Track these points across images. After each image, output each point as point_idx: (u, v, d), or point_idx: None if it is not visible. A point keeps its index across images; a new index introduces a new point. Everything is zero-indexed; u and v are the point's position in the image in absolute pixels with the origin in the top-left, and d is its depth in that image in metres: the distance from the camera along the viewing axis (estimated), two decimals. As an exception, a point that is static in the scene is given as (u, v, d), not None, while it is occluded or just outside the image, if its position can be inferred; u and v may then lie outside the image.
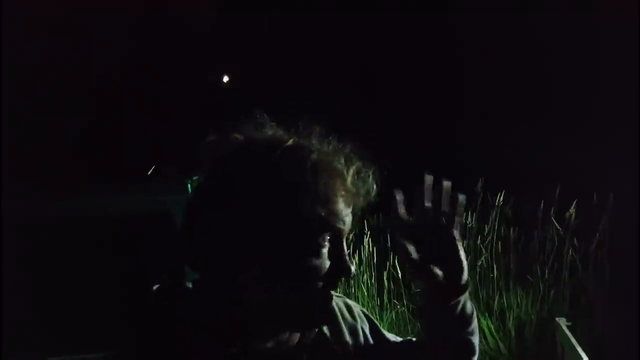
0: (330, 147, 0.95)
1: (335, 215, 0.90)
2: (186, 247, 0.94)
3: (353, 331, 1.07)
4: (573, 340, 3.16)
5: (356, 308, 1.11)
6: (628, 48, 6.36)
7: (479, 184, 4.83)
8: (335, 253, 0.92)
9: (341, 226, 0.92)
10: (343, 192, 0.92)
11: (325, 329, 1.02)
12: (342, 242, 0.93)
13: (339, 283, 0.95)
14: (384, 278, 4.57)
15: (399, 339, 1.13)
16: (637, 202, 4.75)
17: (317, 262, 0.90)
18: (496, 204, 4.70)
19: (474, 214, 4.73)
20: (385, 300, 4.59)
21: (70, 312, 2.22)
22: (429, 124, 7.98)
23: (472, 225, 4.69)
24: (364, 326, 1.09)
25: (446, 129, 7.74)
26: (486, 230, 4.69)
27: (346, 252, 0.93)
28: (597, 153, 5.92)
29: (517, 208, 4.88)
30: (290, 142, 0.93)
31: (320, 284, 0.91)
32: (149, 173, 4.67)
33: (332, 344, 1.02)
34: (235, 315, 0.92)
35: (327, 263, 0.91)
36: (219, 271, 0.91)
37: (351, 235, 4.69)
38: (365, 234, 4.68)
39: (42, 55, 7.49)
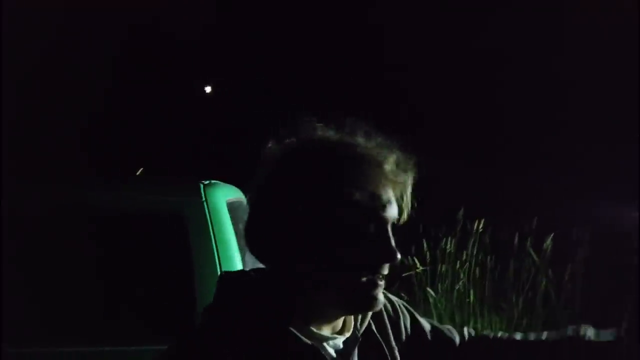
0: (374, 142, 1.06)
1: (377, 200, 1.01)
2: (254, 240, 1.06)
3: (395, 326, 1.17)
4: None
5: (397, 302, 1.21)
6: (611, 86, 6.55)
7: (460, 212, 4.97)
8: (381, 239, 1.01)
9: (383, 212, 1.01)
10: (383, 180, 1.02)
11: (372, 323, 1.12)
12: (387, 229, 1.02)
13: (386, 269, 1.03)
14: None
15: (440, 327, 1.24)
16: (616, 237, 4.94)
17: (364, 248, 1.00)
18: (474, 230, 4.84)
19: (454, 240, 4.87)
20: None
21: (68, 308, 2.27)
22: (412, 147, 8.09)
23: (451, 250, 4.83)
24: (405, 321, 1.19)
25: (429, 153, 7.85)
26: (464, 257, 4.82)
27: (392, 238, 1.02)
28: (578, 187, 6.10)
29: (495, 236, 5.03)
30: (338, 139, 1.05)
31: (369, 268, 1.00)
32: (137, 174, 4.77)
33: (377, 338, 1.12)
34: (293, 301, 1.02)
35: (375, 249, 1.01)
36: (281, 261, 1.02)
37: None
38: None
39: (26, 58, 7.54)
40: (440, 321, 4.63)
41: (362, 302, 1.02)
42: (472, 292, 4.70)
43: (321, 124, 1.07)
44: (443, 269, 4.82)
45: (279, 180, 1.03)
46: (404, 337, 1.17)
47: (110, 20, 8.23)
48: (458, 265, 4.80)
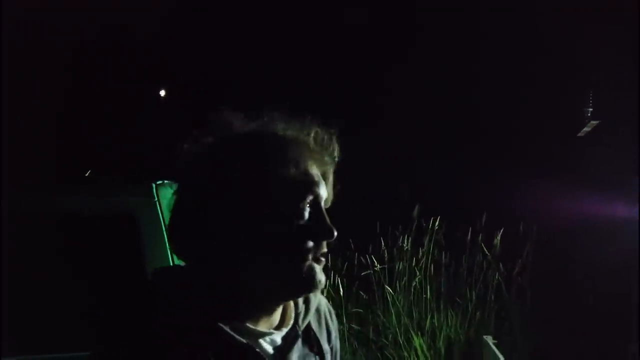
0: (294, 125, 1.06)
1: (309, 177, 1.01)
2: (183, 238, 1.03)
3: (327, 330, 1.18)
4: (501, 357, 3.46)
5: (330, 307, 1.22)
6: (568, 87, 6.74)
7: (415, 211, 5.11)
8: (317, 217, 1.02)
9: (317, 189, 1.02)
10: (311, 156, 1.03)
11: (313, 324, 1.12)
12: (321, 206, 1.03)
13: (325, 246, 1.03)
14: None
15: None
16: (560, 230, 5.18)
17: (300, 224, 0.99)
18: (429, 228, 4.98)
19: (410, 239, 5.01)
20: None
21: (29, 311, 2.26)
22: (367, 146, 8.14)
23: (407, 248, 4.96)
24: (332, 329, 1.20)
25: (385, 153, 7.91)
26: (420, 254, 4.96)
27: (327, 216, 1.02)
28: (524, 184, 6.32)
29: (449, 234, 5.19)
30: (256, 128, 1.05)
31: (307, 246, 1.00)
32: (86, 176, 4.72)
33: (316, 336, 1.12)
34: (230, 293, 1.00)
35: (312, 227, 1.01)
36: (215, 255, 1.00)
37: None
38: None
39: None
40: (399, 318, 4.76)
41: (305, 282, 1.00)
42: (428, 288, 4.85)
43: (237, 118, 1.06)
44: (400, 266, 4.95)
45: (204, 175, 1.00)
46: (330, 344, 1.16)
47: (68, 20, 8.04)
48: (414, 263, 4.93)
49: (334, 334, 1.19)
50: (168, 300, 0.99)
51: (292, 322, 1.08)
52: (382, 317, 4.86)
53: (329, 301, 4.10)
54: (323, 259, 1.03)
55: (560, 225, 5.32)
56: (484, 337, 3.89)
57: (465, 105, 7.85)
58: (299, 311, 1.09)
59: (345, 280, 4.94)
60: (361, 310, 5.00)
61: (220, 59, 9.09)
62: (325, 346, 1.14)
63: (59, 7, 7.83)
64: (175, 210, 1.04)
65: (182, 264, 1.07)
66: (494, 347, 3.65)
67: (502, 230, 4.92)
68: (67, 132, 8.30)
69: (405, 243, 4.96)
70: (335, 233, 1.02)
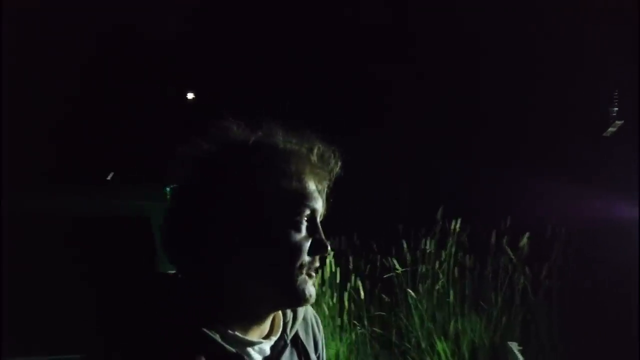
0: (293, 138, 1.06)
1: (308, 191, 1.02)
2: (178, 246, 1.02)
3: (314, 340, 1.17)
4: (524, 364, 3.35)
5: (317, 318, 1.22)
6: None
7: (439, 212, 5.01)
8: (312, 232, 1.02)
9: (314, 204, 1.02)
10: (311, 170, 1.03)
11: (299, 329, 1.12)
12: (317, 222, 1.04)
13: (317, 261, 1.03)
14: (345, 299, 4.68)
15: None
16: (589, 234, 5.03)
17: (297, 238, 1.00)
18: (451, 230, 4.87)
19: (433, 241, 4.91)
20: (345, 321, 4.70)
21: (39, 313, 2.26)
22: (390, 148, 8.08)
23: (431, 251, 4.86)
24: (319, 340, 1.19)
25: (407, 155, 7.85)
26: (443, 256, 4.86)
27: (322, 231, 1.03)
28: (554, 184, 6.18)
29: (474, 236, 5.08)
30: (258, 136, 1.04)
31: (302, 260, 1.00)
32: (108, 178, 4.74)
33: (304, 346, 1.12)
34: (221, 302, 1.00)
35: (307, 241, 1.01)
36: (209, 263, 1.00)
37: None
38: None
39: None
40: (423, 322, 4.67)
41: (295, 295, 1.01)
42: (451, 291, 4.74)
43: (235, 127, 1.06)
44: (423, 269, 4.86)
45: (200, 183, 1.01)
46: (317, 353, 1.17)
47: (84, 21, 8.11)
48: (437, 266, 4.83)
49: (321, 343, 1.20)
50: (159, 307, 0.99)
51: (280, 331, 1.08)
52: (404, 320, 4.78)
53: (350, 303, 4.05)
54: (314, 274, 1.03)
55: (588, 226, 5.16)
56: (509, 343, 3.78)
57: (488, 105, 7.72)
58: (287, 320, 1.10)
59: (367, 282, 4.89)
60: (384, 314, 4.93)
61: (224, 59, 9.09)
62: (313, 356, 1.14)
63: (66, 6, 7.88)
64: (170, 215, 1.04)
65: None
66: (518, 354, 3.53)
67: (528, 233, 4.79)
68: (80, 133, 8.36)
69: (428, 245, 4.86)
70: (329, 249, 1.04)
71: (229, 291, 1.00)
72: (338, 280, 4.75)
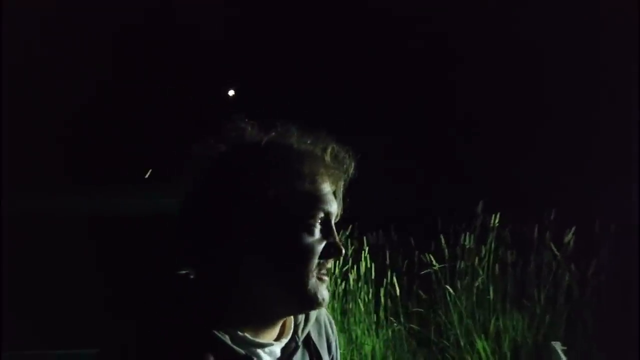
0: (307, 139, 1.05)
1: (321, 193, 1.00)
2: (184, 246, 1.02)
3: (327, 341, 1.15)
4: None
5: (330, 319, 1.20)
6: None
7: (479, 206, 4.85)
8: (326, 234, 1.01)
9: (328, 207, 1.00)
10: (325, 172, 1.01)
11: (310, 331, 1.09)
12: (332, 224, 1.02)
13: (330, 263, 1.02)
14: (381, 295, 4.59)
15: None
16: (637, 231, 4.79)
17: (309, 241, 0.98)
18: (491, 225, 4.71)
19: (473, 236, 4.76)
20: (382, 317, 4.60)
21: (68, 309, 2.27)
22: (428, 141, 7.98)
23: (470, 246, 4.71)
24: (333, 341, 1.17)
25: (446, 147, 7.75)
26: (483, 252, 4.71)
27: (336, 234, 1.02)
28: (600, 178, 5.96)
29: (516, 231, 4.91)
30: (272, 137, 1.03)
31: (314, 263, 0.99)
32: (146, 177, 4.76)
33: (316, 348, 1.10)
34: (232, 303, 0.99)
35: (319, 244, 1.00)
36: (217, 263, 0.99)
37: (350, 250, 4.73)
38: (363, 249, 4.71)
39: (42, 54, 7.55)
40: (461, 319, 4.54)
41: (308, 299, 0.99)
42: (492, 288, 4.59)
43: (250, 128, 1.05)
44: (461, 265, 4.71)
45: (212, 183, 1.00)
46: (330, 355, 1.16)
47: (111, 23, 8.20)
48: (476, 262, 4.69)
49: (335, 344, 1.18)
50: (170, 307, 0.99)
51: (291, 332, 1.06)
52: (443, 317, 4.65)
53: (387, 299, 3.96)
54: (326, 277, 1.02)
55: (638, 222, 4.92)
56: (552, 343, 3.62)
57: (534, 94, 7.54)
58: (298, 322, 1.08)
59: (404, 278, 4.79)
60: (422, 310, 4.81)
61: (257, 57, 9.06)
62: (326, 357, 1.13)
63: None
64: (183, 216, 1.03)
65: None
66: (562, 354, 3.37)
67: (574, 227, 4.58)
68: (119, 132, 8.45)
69: (468, 240, 4.71)
70: (343, 251, 1.02)
71: (240, 293, 0.99)
72: (373, 276, 4.66)
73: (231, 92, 9.56)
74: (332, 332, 1.17)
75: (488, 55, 7.87)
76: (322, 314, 1.16)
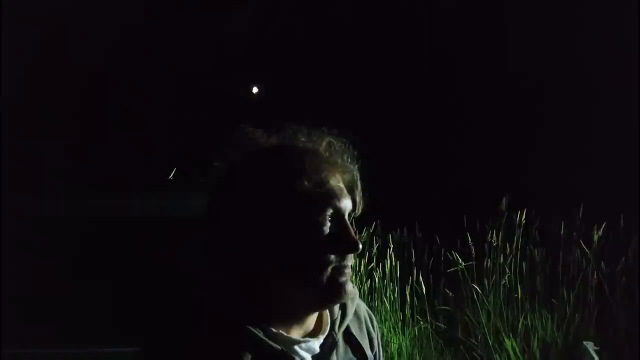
0: (314, 137, 1.08)
1: (328, 189, 1.01)
2: (209, 250, 1.04)
3: (369, 336, 1.16)
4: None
5: (372, 316, 1.21)
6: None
7: (504, 202, 4.77)
8: (339, 230, 1.01)
9: (338, 202, 1.01)
10: (331, 168, 1.03)
11: (350, 325, 1.10)
12: (345, 219, 1.03)
13: (351, 259, 1.03)
14: (407, 293, 4.55)
15: None
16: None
17: (318, 238, 1.00)
18: (517, 222, 4.63)
19: (499, 233, 4.69)
20: (408, 315, 4.56)
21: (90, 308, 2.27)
22: (451, 139, 7.91)
23: (498, 244, 4.64)
24: (374, 338, 1.18)
25: (469, 144, 7.68)
26: (509, 250, 4.63)
27: (351, 229, 1.03)
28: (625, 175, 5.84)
29: (543, 228, 4.82)
30: (278, 140, 1.07)
31: (328, 259, 1.00)
32: (170, 177, 4.76)
33: (357, 341, 1.11)
34: (259, 301, 1.01)
35: (333, 240, 1.01)
36: (240, 266, 1.01)
37: (374, 249, 4.69)
38: (388, 247, 4.67)
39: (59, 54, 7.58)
40: (489, 318, 4.47)
41: (327, 294, 1.00)
42: (520, 287, 4.51)
43: (261, 134, 1.08)
44: (488, 263, 4.64)
45: (223, 189, 1.04)
46: (372, 350, 1.16)
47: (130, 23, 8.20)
48: (502, 259, 4.61)
49: (377, 340, 1.19)
50: (204, 307, 1.01)
51: (328, 328, 1.07)
52: (471, 316, 4.59)
53: (413, 298, 3.92)
54: (348, 271, 1.02)
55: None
56: (585, 342, 3.54)
57: (560, 96, 7.44)
58: (334, 317, 1.09)
59: (431, 276, 4.74)
60: (449, 308, 4.76)
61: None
62: (369, 352, 1.13)
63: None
64: (203, 221, 1.06)
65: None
66: (594, 354, 3.30)
67: (604, 224, 4.48)
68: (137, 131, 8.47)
69: (494, 238, 4.64)
70: (360, 246, 1.03)
71: (264, 292, 1.01)
72: (399, 274, 4.62)
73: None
74: (374, 328, 1.17)
75: (519, 52, 7.78)
76: (362, 309, 1.17)
